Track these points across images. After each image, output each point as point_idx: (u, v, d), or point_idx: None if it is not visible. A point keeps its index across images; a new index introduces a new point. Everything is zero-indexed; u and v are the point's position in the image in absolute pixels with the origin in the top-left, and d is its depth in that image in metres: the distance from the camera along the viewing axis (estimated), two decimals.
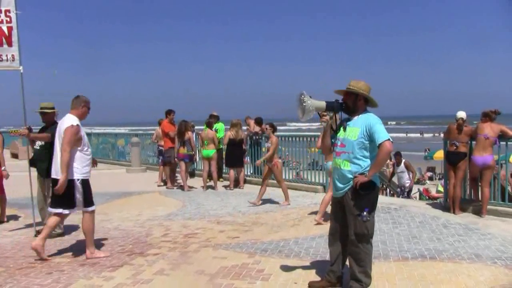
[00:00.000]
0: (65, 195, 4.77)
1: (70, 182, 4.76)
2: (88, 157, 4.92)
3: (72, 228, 6.26)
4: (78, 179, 4.79)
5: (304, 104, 3.65)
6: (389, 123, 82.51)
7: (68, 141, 4.69)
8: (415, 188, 15.47)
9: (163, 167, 10.87)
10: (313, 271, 4.36)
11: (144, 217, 7.17)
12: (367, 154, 3.68)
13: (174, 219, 7.01)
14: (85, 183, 4.88)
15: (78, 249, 5.25)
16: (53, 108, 6.02)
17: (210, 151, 10.14)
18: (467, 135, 6.96)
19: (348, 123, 3.80)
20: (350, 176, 3.69)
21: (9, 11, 5.89)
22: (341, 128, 3.82)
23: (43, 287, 4.08)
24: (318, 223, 6.29)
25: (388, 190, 13.05)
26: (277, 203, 8.14)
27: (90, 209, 4.93)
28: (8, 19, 5.89)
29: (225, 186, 10.40)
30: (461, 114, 6.98)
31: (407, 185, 11.38)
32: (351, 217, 3.71)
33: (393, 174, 11.99)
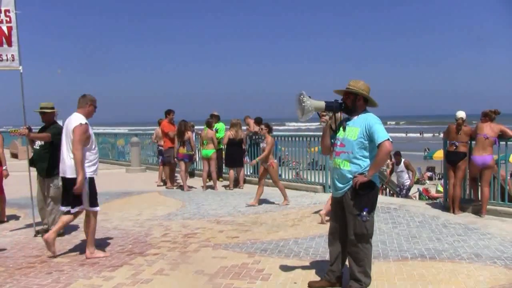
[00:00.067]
0: (73, 193, 4.82)
1: (76, 181, 4.80)
2: (95, 155, 4.97)
3: (72, 228, 6.26)
4: (85, 178, 4.82)
5: (303, 104, 3.65)
6: (388, 123, 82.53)
7: (79, 139, 4.75)
8: (415, 188, 15.48)
9: (163, 167, 10.87)
10: (313, 271, 4.37)
11: (144, 217, 7.17)
12: (366, 154, 3.68)
13: (174, 219, 7.01)
14: (92, 181, 4.92)
15: (77, 249, 5.25)
16: (52, 108, 6.03)
17: (209, 151, 10.14)
18: (467, 135, 6.96)
19: (347, 123, 3.80)
20: (349, 176, 3.69)
21: (8, 10, 5.89)
22: (341, 128, 3.82)
23: (42, 287, 4.08)
24: (321, 222, 6.29)
25: (387, 190, 13.05)
26: (276, 203, 8.13)
27: (94, 209, 4.96)
28: (8, 19, 5.88)
29: (225, 186, 10.40)
30: (461, 114, 6.98)
31: (407, 184, 11.39)
32: (350, 217, 3.71)
33: (391, 172, 12.01)
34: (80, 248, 5.21)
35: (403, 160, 11.50)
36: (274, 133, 11.78)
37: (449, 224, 6.29)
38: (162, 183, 10.92)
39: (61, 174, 4.97)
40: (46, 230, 5.94)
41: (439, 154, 19.31)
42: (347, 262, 3.91)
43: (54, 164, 5.86)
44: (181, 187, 10.19)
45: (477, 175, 7.03)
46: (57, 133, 5.90)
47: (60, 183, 5.88)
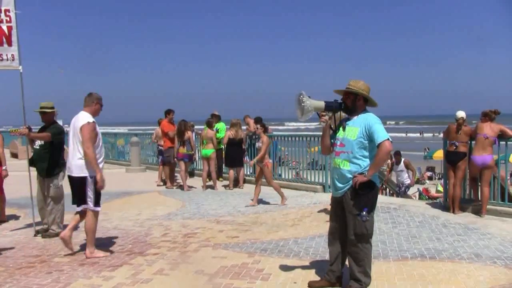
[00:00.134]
0: (78, 192, 4.87)
1: (83, 179, 4.83)
2: (100, 154, 4.99)
3: None
4: (91, 176, 4.85)
5: (303, 104, 3.65)
6: (388, 122, 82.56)
7: (89, 138, 4.78)
8: (415, 188, 15.49)
9: (163, 167, 10.87)
10: (313, 270, 4.37)
11: (144, 216, 7.17)
12: (366, 153, 3.68)
13: (174, 218, 7.01)
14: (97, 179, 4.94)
15: (77, 249, 5.25)
16: (52, 108, 6.03)
17: (209, 150, 10.14)
18: (467, 135, 6.96)
19: (347, 122, 3.80)
20: (349, 175, 3.69)
21: (8, 10, 5.89)
22: (341, 128, 3.82)
23: (42, 287, 4.08)
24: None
25: (387, 189, 13.06)
26: (276, 203, 8.12)
27: (96, 209, 4.97)
28: (8, 18, 5.89)
29: (225, 186, 10.41)
30: (461, 114, 6.98)
31: (406, 182, 11.40)
32: (350, 217, 3.71)
33: (390, 171, 12.03)
34: (80, 248, 5.21)
35: (403, 159, 11.51)
36: (274, 133, 11.82)
37: (449, 224, 6.30)
38: (162, 183, 10.92)
39: (67, 173, 5.00)
40: (46, 230, 5.95)
41: (439, 154, 19.32)
42: (347, 262, 3.91)
43: (54, 164, 5.87)
44: (181, 187, 10.19)
45: (477, 175, 7.02)
46: (57, 132, 5.91)
47: (60, 183, 5.90)
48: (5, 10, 5.88)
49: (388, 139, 3.56)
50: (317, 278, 4.10)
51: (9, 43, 5.92)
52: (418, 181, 19.59)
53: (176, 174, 10.91)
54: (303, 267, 4.48)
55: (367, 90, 3.79)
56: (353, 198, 3.68)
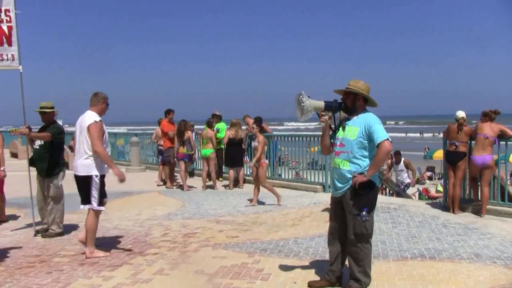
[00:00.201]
0: (83, 191, 4.89)
1: (88, 178, 4.85)
2: (107, 152, 5.01)
3: (71, 228, 6.27)
4: (96, 175, 4.87)
5: (302, 104, 3.65)
6: (387, 122, 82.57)
7: (98, 137, 4.82)
8: (415, 188, 15.49)
9: (163, 167, 10.87)
10: (313, 270, 4.37)
11: (144, 216, 7.17)
12: (366, 153, 3.68)
13: (174, 218, 7.01)
14: (102, 178, 4.97)
15: (77, 249, 5.25)
16: (52, 108, 6.03)
17: (208, 150, 10.14)
18: (467, 135, 6.96)
19: (347, 122, 3.80)
20: (349, 175, 3.69)
21: (8, 10, 5.89)
22: (340, 128, 3.82)
23: (42, 287, 4.08)
24: None
25: (387, 189, 13.07)
26: (275, 203, 8.11)
27: (100, 208, 4.99)
28: (8, 18, 5.89)
29: (225, 186, 10.40)
30: (461, 113, 6.98)
31: (406, 182, 11.41)
32: (350, 217, 3.71)
33: (390, 169, 12.03)
34: (80, 248, 5.21)
35: (402, 159, 11.52)
36: (274, 132, 11.80)
37: (449, 224, 6.30)
38: (162, 183, 10.92)
39: (74, 172, 5.01)
40: (46, 230, 5.95)
41: (439, 154, 19.33)
42: (347, 262, 3.91)
43: (54, 164, 5.87)
44: (181, 187, 10.19)
45: (477, 175, 7.03)
46: (57, 132, 5.91)
47: (60, 183, 5.90)
48: (5, 10, 5.88)
49: (388, 139, 3.56)
50: (317, 278, 4.10)
51: (9, 43, 5.92)
52: (418, 181, 19.59)
53: (176, 174, 10.91)
54: (303, 267, 4.48)
55: (367, 90, 3.79)
56: (352, 198, 3.68)
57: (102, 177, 4.97)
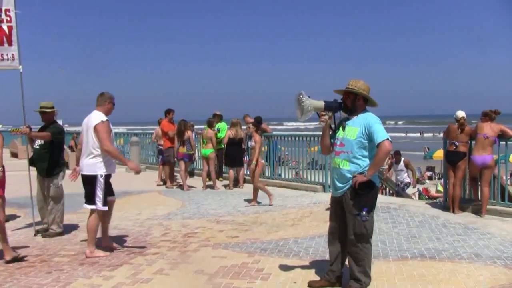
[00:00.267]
0: (88, 191, 4.92)
1: (93, 178, 4.87)
2: (117, 150, 5.02)
3: (71, 228, 6.27)
4: (101, 175, 4.88)
5: (302, 104, 3.65)
6: (387, 122, 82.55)
7: (106, 136, 4.87)
8: (415, 188, 15.47)
9: (163, 167, 10.87)
10: (313, 270, 4.37)
11: (144, 216, 7.17)
12: (366, 153, 3.68)
13: (174, 218, 7.01)
14: (107, 178, 4.99)
15: (77, 248, 5.25)
16: (52, 107, 6.03)
17: (208, 150, 10.14)
18: (467, 134, 6.96)
19: (347, 122, 3.80)
20: (349, 175, 3.69)
21: (9, 10, 5.89)
22: (340, 128, 3.82)
23: (42, 286, 4.08)
24: None
25: (387, 189, 13.08)
26: (275, 203, 8.12)
27: (104, 208, 5.00)
28: (8, 18, 5.89)
29: (225, 186, 10.40)
30: (461, 113, 6.99)
31: (406, 181, 11.42)
32: (350, 217, 3.71)
33: (389, 169, 12.03)
34: (80, 248, 5.21)
35: (402, 159, 11.52)
36: (274, 132, 11.81)
37: (449, 224, 6.30)
38: (162, 183, 10.92)
39: (80, 171, 5.04)
40: (46, 230, 5.95)
41: (439, 154, 19.33)
42: (347, 262, 3.91)
43: (54, 163, 5.88)
44: (181, 187, 10.19)
45: (477, 175, 7.02)
46: (57, 132, 5.92)
47: (60, 183, 5.90)
48: (6, 10, 5.88)
49: (388, 139, 3.56)
50: (317, 278, 4.10)
51: (10, 43, 5.92)
52: (418, 181, 19.59)
53: (176, 174, 10.91)
54: (303, 267, 4.48)
55: (367, 90, 3.79)
56: (352, 198, 3.68)
57: (107, 176, 4.98)
